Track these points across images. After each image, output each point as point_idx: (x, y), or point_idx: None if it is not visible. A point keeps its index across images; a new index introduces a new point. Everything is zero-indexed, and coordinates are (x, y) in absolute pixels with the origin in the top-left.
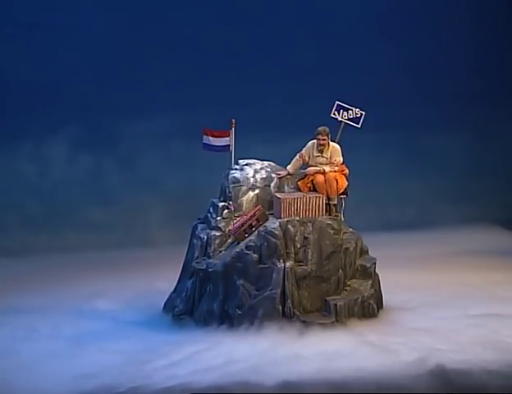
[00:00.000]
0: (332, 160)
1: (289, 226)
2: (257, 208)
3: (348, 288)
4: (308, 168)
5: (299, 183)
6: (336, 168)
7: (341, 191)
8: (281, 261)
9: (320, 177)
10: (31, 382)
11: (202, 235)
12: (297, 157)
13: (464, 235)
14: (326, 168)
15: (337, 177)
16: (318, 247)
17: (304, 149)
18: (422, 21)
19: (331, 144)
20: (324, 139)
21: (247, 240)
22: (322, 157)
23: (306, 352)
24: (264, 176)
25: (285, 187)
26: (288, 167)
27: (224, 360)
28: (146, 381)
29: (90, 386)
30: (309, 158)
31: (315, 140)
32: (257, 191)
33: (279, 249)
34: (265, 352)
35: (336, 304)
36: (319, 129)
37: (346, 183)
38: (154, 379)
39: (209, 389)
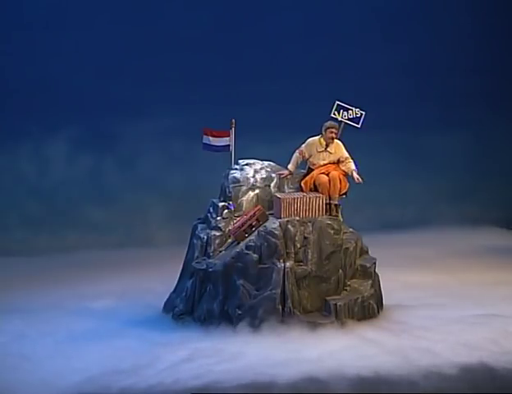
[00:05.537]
0: (340, 158)
1: (289, 226)
2: (257, 208)
3: (348, 288)
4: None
5: (302, 183)
6: (350, 164)
7: (344, 191)
8: (281, 261)
9: (323, 177)
10: (31, 382)
11: (202, 235)
12: (296, 153)
13: (464, 235)
14: (335, 173)
15: (341, 177)
16: (318, 247)
17: (303, 146)
18: (422, 21)
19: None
20: (336, 133)
21: (247, 240)
22: (326, 151)
23: (306, 352)
24: (264, 176)
25: (285, 187)
26: (289, 166)
27: (224, 360)
28: (146, 380)
29: (90, 386)
30: (310, 155)
31: (316, 137)
32: (257, 191)
33: (279, 249)
34: (265, 352)
35: (336, 304)
36: (329, 123)
37: (348, 184)
38: (154, 379)
39: (209, 389)
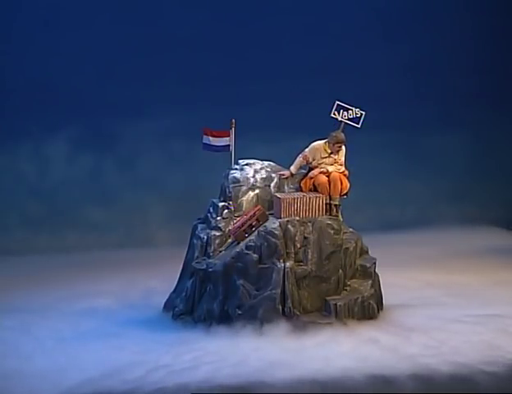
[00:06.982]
0: (337, 159)
1: (289, 226)
2: (257, 208)
3: (348, 288)
4: (312, 171)
5: (301, 183)
6: (342, 168)
7: (345, 192)
8: (281, 261)
9: (322, 178)
10: (31, 383)
11: (202, 235)
12: (300, 158)
13: (464, 235)
14: (330, 168)
15: (341, 178)
16: (318, 247)
17: (307, 150)
18: (422, 21)
19: None
20: (342, 147)
21: (247, 240)
22: (330, 157)
23: (306, 352)
24: (264, 176)
25: (285, 187)
26: (291, 167)
27: (224, 360)
28: (146, 381)
29: (90, 386)
30: (314, 159)
31: (321, 142)
32: (257, 191)
33: (279, 249)
34: (265, 352)
35: (336, 304)
36: (340, 138)
37: (349, 185)
38: (154, 379)
39: (209, 389)
